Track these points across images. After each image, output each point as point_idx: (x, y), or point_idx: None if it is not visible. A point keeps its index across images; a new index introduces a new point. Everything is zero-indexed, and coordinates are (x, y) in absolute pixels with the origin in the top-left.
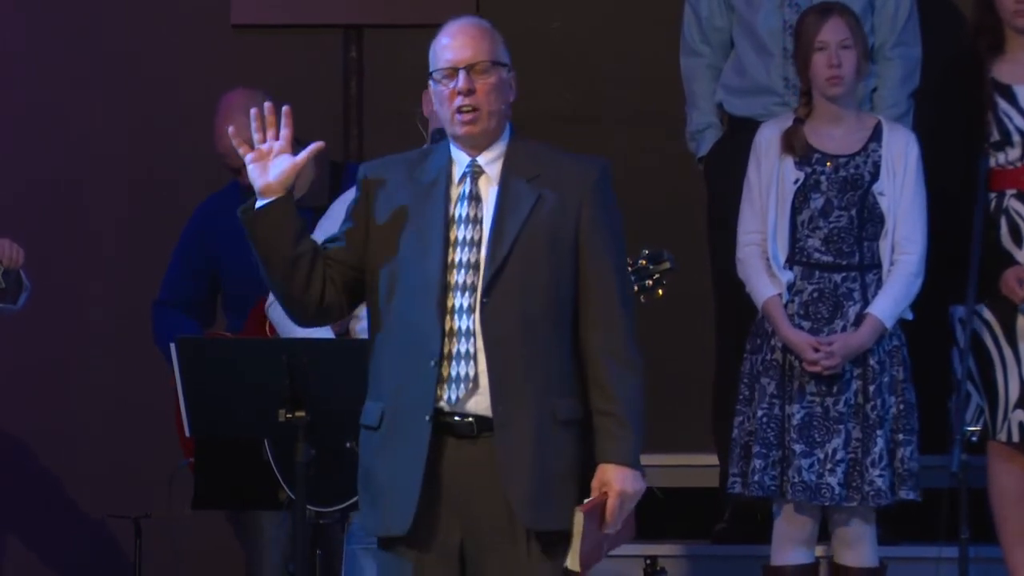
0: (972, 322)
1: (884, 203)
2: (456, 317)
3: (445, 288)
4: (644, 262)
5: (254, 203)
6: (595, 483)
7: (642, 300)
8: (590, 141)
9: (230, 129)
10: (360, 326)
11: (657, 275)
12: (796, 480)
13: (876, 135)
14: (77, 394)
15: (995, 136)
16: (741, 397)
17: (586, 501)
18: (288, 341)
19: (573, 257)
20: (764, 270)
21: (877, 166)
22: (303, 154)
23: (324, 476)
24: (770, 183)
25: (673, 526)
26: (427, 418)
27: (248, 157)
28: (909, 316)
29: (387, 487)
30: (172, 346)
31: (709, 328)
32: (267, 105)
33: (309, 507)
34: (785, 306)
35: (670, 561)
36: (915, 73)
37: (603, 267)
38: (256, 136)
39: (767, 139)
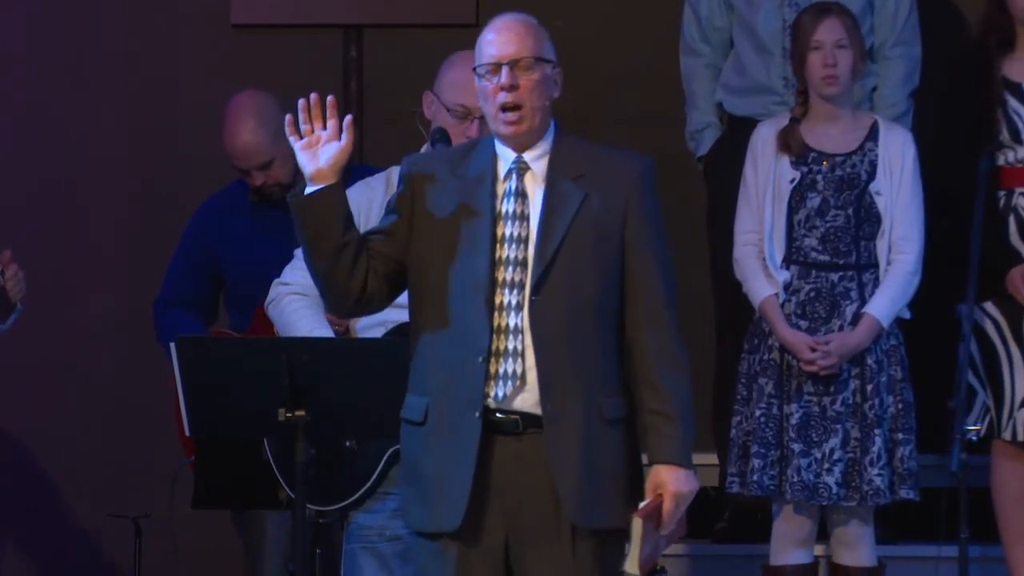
0: (972, 319)
1: (881, 202)
2: (505, 314)
3: (493, 284)
4: None
5: (303, 189)
6: (649, 485)
7: None
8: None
9: (287, 117)
10: (360, 324)
11: None
12: (795, 480)
13: (873, 134)
14: (77, 394)
15: (1004, 134)
16: (739, 397)
17: (642, 505)
18: (288, 340)
19: (619, 255)
20: (761, 270)
21: (874, 165)
22: (345, 135)
23: (324, 476)
24: (767, 182)
25: None
26: (477, 415)
27: (298, 145)
28: (906, 315)
29: (436, 484)
30: (172, 345)
31: (709, 328)
32: (313, 96)
33: (309, 507)
34: (782, 306)
35: (670, 561)
36: (915, 72)
37: (648, 264)
38: (305, 126)
39: (763, 138)
